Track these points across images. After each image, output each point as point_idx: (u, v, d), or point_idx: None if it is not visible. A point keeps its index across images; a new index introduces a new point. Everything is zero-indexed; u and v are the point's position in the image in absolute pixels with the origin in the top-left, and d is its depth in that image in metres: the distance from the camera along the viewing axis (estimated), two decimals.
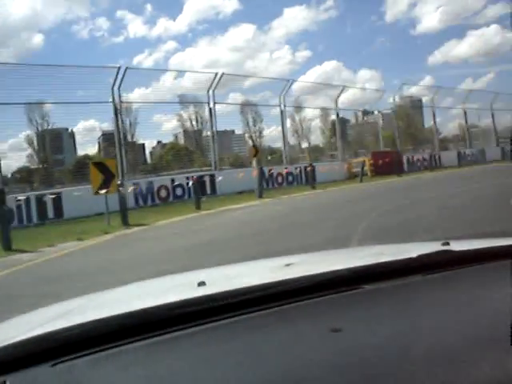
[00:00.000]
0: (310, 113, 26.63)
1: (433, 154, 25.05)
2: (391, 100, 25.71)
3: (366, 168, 21.46)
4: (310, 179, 18.42)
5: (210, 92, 18.62)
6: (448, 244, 1.24)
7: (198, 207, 13.16)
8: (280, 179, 19.51)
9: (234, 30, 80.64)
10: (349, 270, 1.05)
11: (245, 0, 74.84)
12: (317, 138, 28.63)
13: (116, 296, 1.39)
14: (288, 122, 21.33)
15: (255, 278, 1.18)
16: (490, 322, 0.80)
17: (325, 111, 26.28)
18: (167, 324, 0.86)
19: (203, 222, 10.90)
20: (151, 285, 1.55)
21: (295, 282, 0.98)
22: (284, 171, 19.67)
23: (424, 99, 28.24)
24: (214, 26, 77.88)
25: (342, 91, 23.31)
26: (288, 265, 1.36)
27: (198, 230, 9.49)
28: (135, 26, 72.91)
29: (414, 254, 1.09)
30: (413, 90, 26.29)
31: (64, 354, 0.78)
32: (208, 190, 17.04)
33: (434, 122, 27.46)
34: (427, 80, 26.72)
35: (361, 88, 28.46)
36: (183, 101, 21.88)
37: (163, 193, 16.18)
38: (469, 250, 1.20)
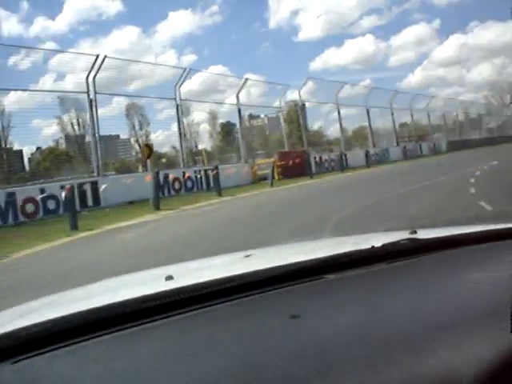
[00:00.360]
0: (198, 116, 25.96)
1: (342, 154, 23.60)
2: (277, 104, 24.70)
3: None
4: (215, 185, 15.41)
5: (91, 88, 15.12)
6: (415, 232, 1.25)
7: (75, 227, 9.52)
8: (177, 185, 16.58)
9: (118, 33, 76.16)
10: (312, 260, 1.06)
11: (128, 2, 71.22)
12: (205, 142, 28.19)
13: (82, 293, 1.36)
14: (175, 126, 18.66)
15: (221, 271, 1.18)
16: (450, 308, 0.80)
17: (213, 114, 26.02)
18: (131, 318, 0.86)
19: (77, 254, 7.06)
20: (120, 281, 1.51)
21: (258, 274, 1.00)
22: (183, 176, 16.77)
23: (307, 104, 28.14)
24: (97, 27, 72.82)
25: (243, 86, 21.04)
26: (248, 256, 1.38)
27: (64, 274, 5.39)
28: (9, 24, 65.13)
29: (379, 243, 1.11)
30: (296, 95, 25.50)
31: (25, 351, 0.79)
32: (90, 202, 13.66)
33: (340, 125, 26.41)
34: (309, 85, 26.86)
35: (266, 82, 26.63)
36: (63, 104, 19.56)
37: (30, 207, 12.34)
38: (433, 238, 1.21)
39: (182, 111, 18.44)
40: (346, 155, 24.34)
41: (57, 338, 0.81)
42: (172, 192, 16.26)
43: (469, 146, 36.64)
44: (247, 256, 1.38)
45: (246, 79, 21.46)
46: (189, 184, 17.03)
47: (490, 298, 0.82)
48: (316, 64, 73.72)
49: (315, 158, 22.69)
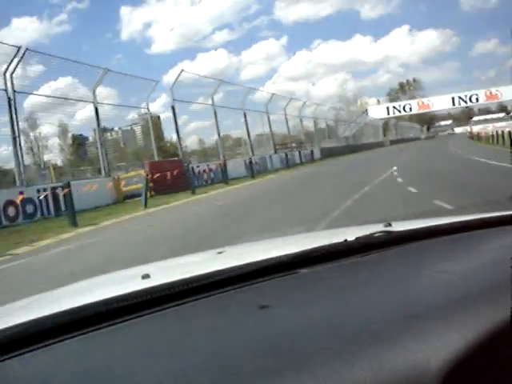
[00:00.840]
0: (47, 130, 23.81)
1: (223, 164, 20.33)
2: (130, 117, 22.71)
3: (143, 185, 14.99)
4: (68, 208, 10.52)
5: None
6: (390, 225, 1.24)
7: None
8: (12, 212, 11.89)
9: None
10: (285, 255, 1.05)
11: None
12: (56, 156, 25.85)
13: (58, 295, 1.32)
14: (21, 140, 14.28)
15: (195, 268, 1.13)
16: (421, 299, 0.81)
17: (63, 127, 24.15)
18: (106, 318, 0.86)
19: None
20: (98, 280, 1.46)
21: (231, 271, 0.99)
22: (16, 198, 11.97)
23: (162, 116, 26.45)
24: None
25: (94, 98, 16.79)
26: (220, 252, 1.38)
27: None
28: None
29: (352, 237, 1.11)
30: (152, 107, 23.52)
31: (13, 348, 0.79)
32: None
33: (218, 134, 23.36)
34: (164, 98, 24.90)
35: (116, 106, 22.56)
36: None
37: None
38: (407, 230, 1.20)
39: (15, 110, 13.62)
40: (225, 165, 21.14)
41: (29, 341, 0.81)
42: (4, 222, 11.53)
43: (336, 153, 36.67)
44: (220, 253, 1.38)
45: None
46: (29, 208, 12.36)
47: (460, 288, 0.82)
48: (169, 77, 70.16)
49: (193, 168, 19.12)
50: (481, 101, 59.33)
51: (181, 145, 21.27)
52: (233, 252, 1.48)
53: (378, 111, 64.71)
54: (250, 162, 21.85)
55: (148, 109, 20.62)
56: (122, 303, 0.89)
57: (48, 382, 0.73)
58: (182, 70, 21.48)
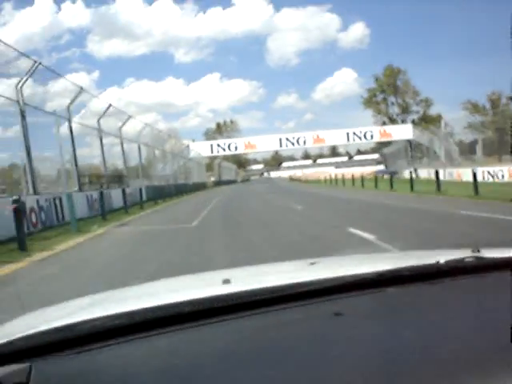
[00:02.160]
0: None
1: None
2: None
3: None
4: None
5: None
6: (478, 251, 1.20)
7: None
8: None
9: None
10: (376, 272, 1.04)
11: None
12: None
13: (143, 291, 1.38)
14: None
15: (281, 277, 1.17)
16: None
17: None
18: (189, 319, 0.88)
19: None
20: (177, 282, 1.52)
21: (321, 283, 0.99)
22: None
23: None
24: None
25: None
26: (312, 263, 1.36)
27: None
28: None
29: (442, 260, 1.09)
30: None
31: (89, 343, 0.81)
32: None
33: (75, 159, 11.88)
34: None
35: None
36: None
37: None
38: (499, 257, 1.16)
39: None
40: None
41: (118, 333, 0.83)
42: None
43: (164, 193, 27.80)
44: (312, 264, 1.36)
45: None
46: None
47: None
48: None
49: None
50: (375, 138, 56.61)
51: None
52: (324, 264, 1.45)
53: (201, 148, 57.39)
54: (18, 210, 9.24)
55: None
56: (207, 305, 0.90)
57: (137, 374, 0.74)
58: None
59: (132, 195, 21.73)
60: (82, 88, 18.57)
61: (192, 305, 0.90)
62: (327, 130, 57.98)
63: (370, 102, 71.09)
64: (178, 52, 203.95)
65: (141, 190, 23.05)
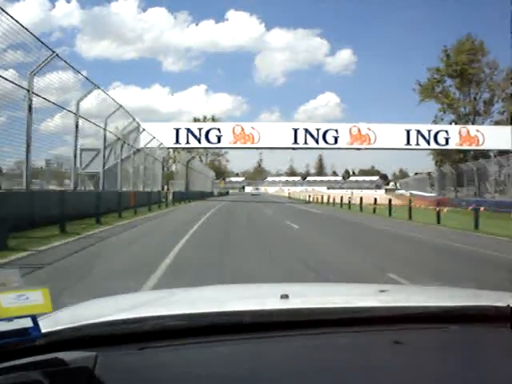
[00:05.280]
0: None
1: None
2: None
3: None
4: None
5: None
6: None
7: None
8: None
9: None
10: (439, 307, 1.05)
11: None
12: None
13: (204, 294, 1.37)
14: None
15: (341, 299, 1.16)
16: None
17: None
18: (247, 329, 0.87)
19: None
20: (236, 290, 1.53)
21: (384, 311, 0.98)
22: None
23: None
24: None
25: None
26: (383, 291, 1.33)
27: None
28: None
29: (502, 303, 1.05)
30: None
31: (150, 339, 0.81)
32: None
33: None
34: None
35: None
36: None
37: None
38: None
39: None
40: None
41: (180, 333, 0.83)
42: None
43: None
44: (382, 291, 1.32)
45: None
46: None
47: None
48: None
49: None
50: (452, 143, 35.32)
51: None
52: (389, 290, 1.40)
53: (160, 133, 32.27)
54: None
55: None
56: (267, 318, 0.90)
57: (199, 378, 0.74)
58: None
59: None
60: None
61: (252, 316, 0.91)
62: (376, 124, 34.75)
63: (430, 90, 44.80)
64: (166, 60, 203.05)
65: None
